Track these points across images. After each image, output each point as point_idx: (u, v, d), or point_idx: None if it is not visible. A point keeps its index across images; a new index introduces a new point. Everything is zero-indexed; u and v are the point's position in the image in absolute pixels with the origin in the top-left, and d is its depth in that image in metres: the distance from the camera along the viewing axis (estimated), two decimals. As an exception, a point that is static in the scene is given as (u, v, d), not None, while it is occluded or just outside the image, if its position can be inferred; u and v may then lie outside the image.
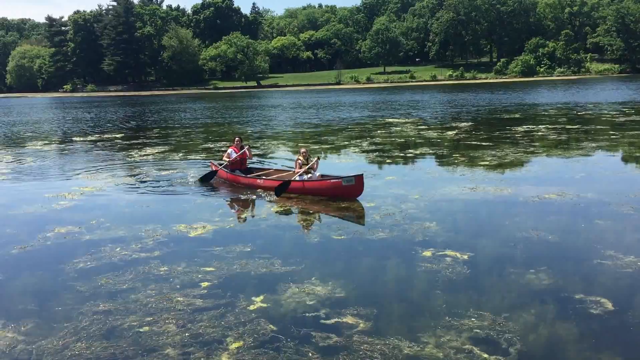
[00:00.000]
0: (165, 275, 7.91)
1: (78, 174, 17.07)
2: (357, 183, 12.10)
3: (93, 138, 29.22)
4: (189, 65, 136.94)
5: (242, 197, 13.12)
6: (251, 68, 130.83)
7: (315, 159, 13.35)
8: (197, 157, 20.24)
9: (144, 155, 21.22)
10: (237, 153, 14.89)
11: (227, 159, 14.86)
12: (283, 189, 12.66)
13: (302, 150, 13.57)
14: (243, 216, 11.18)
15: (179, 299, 7.04)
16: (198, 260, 8.48)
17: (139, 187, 14.50)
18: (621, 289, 7.00)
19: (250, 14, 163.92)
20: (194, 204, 12.39)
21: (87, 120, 44.33)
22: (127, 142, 26.55)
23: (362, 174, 12.19)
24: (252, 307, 6.72)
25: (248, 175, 14.44)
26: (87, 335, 6.15)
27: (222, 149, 22.18)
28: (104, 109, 62.05)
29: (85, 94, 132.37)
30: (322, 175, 13.17)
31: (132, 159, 20.29)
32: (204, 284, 7.50)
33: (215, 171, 14.95)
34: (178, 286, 7.47)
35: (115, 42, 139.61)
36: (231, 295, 7.09)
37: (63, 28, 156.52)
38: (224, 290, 7.25)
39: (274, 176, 14.11)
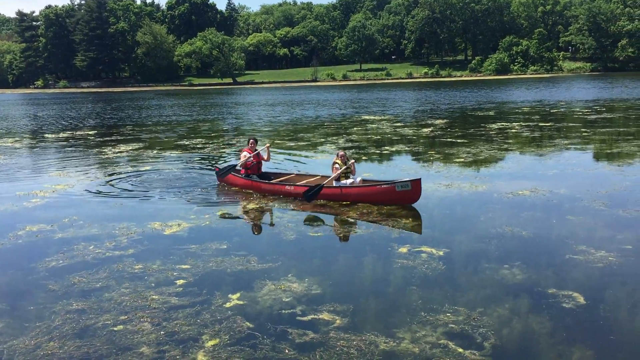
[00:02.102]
0: (140, 273, 7.82)
1: (50, 172, 16.79)
2: (413, 188, 10.93)
3: (65, 135, 28.77)
4: (163, 62, 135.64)
5: (222, 197, 13.03)
6: (227, 65, 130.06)
7: (352, 161, 12.19)
8: (172, 154, 20.05)
9: (118, 152, 20.96)
10: (253, 156, 13.37)
11: (245, 165, 13.32)
12: (315, 194, 11.56)
13: (340, 153, 12.18)
14: (219, 213, 11.10)
15: (153, 297, 6.97)
16: (173, 258, 8.40)
17: (112, 185, 14.32)
18: (592, 283, 7.12)
19: (226, 10, 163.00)
20: (169, 202, 12.27)
21: (59, 116, 43.62)
22: (100, 139, 26.19)
23: (420, 179, 11.00)
24: (228, 305, 6.68)
25: (272, 181, 13.05)
26: (60, 335, 6.06)
27: (198, 146, 22.04)
28: (77, 106, 61.12)
29: (57, 90, 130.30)
30: (363, 180, 12.14)
31: (106, 156, 20.03)
32: (180, 282, 7.44)
33: (232, 166, 13.52)
34: (153, 284, 7.39)
35: (88, 38, 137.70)
36: (207, 293, 7.04)
37: (34, 23, 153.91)
38: (200, 288, 7.20)
39: (303, 182, 12.80)
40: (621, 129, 23.14)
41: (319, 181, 12.68)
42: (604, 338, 5.71)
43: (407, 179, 11.07)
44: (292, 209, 11.40)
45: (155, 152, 20.93)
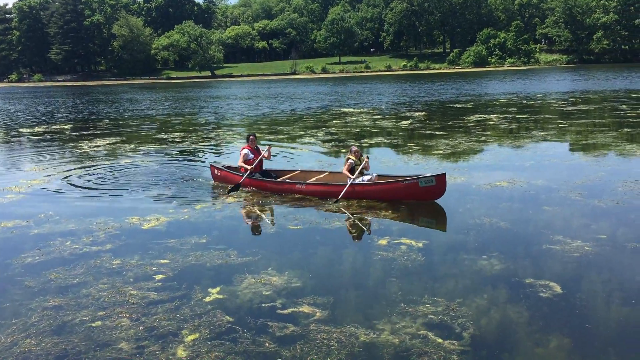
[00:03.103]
0: (118, 268, 7.75)
1: (25, 167, 16.53)
2: (438, 183, 10.49)
3: (40, 129, 28.33)
4: (140, 55, 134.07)
5: (201, 191, 12.94)
6: (205, 58, 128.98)
7: (366, 157, 11.64)
8: (150, 148, 19.87)
9: (95, 146, 20.70)
10: (253, 154, 12.65)
11: (245, 164, 12.53)
12: (343, 196, 10.96)
13: (354, 148, 11.56)
14: (198, 207, 11.03)
15: (132, 292, 6.90)
16: (152, 253, 8.34)
17: (89, 180, 14.14)
18: (569, 272, 7.22)
19: (204, 2, 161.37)
20: (147, 196, 12.16)
21: (34, 111, 42.92)
22: (77, 134, 25.85)
23: (445, 173, 10.60)
24: (207, 299, 6.65)
25: (280, 180, 12.30)
26: (37, 332, 5.98)
27: (176, 140, 21.87)
28: (52, 99, 60.20)
29: (31, 84, 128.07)
30: (379, 176, 11.55)
31: (82, 150, 19.77)
32: (158, 277, 7.38)
33: (238, 184, 12.34)
34: (131, 279, 7.33)
35: (63, 31, 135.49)
36: (186, 288, 7.00)
37: (7, 16, 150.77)
38: (179, 283, 7.16)
39: (312, 179, 12.21)
40: (596, 121, 23.46)
41: (327, 178, 12.25)
42: (580, 326, 5.80)
43: (430, 174, 10.63)
44: (272, 203, 11.37)
45: (132, 146, 20.71)
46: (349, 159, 11.44)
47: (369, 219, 9.93)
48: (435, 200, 10.75)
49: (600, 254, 7.80)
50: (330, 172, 12.60)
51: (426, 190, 10.58)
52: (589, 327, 5.78)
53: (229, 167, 13.16)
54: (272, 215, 10.61)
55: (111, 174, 14.85)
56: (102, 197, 12.27)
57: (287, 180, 12.17)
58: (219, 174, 13.12)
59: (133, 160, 17.09)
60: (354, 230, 9.52)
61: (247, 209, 11.08)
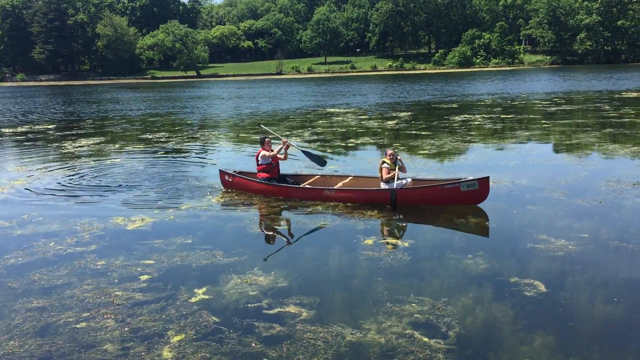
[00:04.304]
0: (103, 269, 7.69)
1: (8, 167, 16.35)
2: (481, 187, 10.06)
3: (24, 129, 28.03)
4: (125, 54, 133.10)
5: (187, 191, 12.87)
6: (190, 57, 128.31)
7: (399, 158, 10.95)
8: (135, 148, 19.74)
9: (79, 146, 20.53)
10: (270, 155, 11.80)
11: (263, 169, 11.78)
12: (396, 200, 10.29)
13: (389, 151, 10.93)
14: (184, 208, 10.98)
15: (117, 293, 6.86)
16: (137, 254, 8.29)
17: (73, 180, 14.02)
18: (553, 271, 7.28)
19: (189, 2, 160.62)
20: (132, 197, 12.08)
21: (17, 110, 42.45)
22: (60, 134, 25.61)
23: (488, 177, 10.15)
24: (193, 300, 6.62)
25: (303, 186, 11.55)
26: (21, 333, 5.92)
27: (161, 140, 21.74)
28: (35, 99, 59.57)
29: (14, 84, 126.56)
30: (413, 180, 11.06)
31: (66, 150, 19.59)
32: (144, 277, 7.34)
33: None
34: (116, 280, 7.28)
35: (46, 30, 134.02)
36: (172, 288, 6.97)
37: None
38: (165, 283, 7.12)
39: (338, 184, 11.49)
40: (579, 121, 23.69)
41: (352, 182, 11.62)
42: (564, 324, 5.85)
43: (472, 177, 10.17)
44: (257, 203, 11.34)
45: (117, 146, 20.57)
46: (383, 162, 10.88)
47: (354, 219, 9.94)
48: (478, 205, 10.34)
49: (584, 253, 7.88)
50: (354, 176, 11.87)
51: (468, 194, 10.15)
52: (572, 325, 5.84)
53: (241, 173, 12.37)
54: (258, 215, 10.58)
55: (96, 174, 14.74)
56: (86, 197, 12.17)
57: (314, 187, 11.42)
58: (230, 180, 12.26)
59: (118, 161, 16.97)
60: (340, 230, 9.52)
61: (233, 209, 11.04)
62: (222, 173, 12.52)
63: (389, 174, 10.76)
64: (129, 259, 8.09)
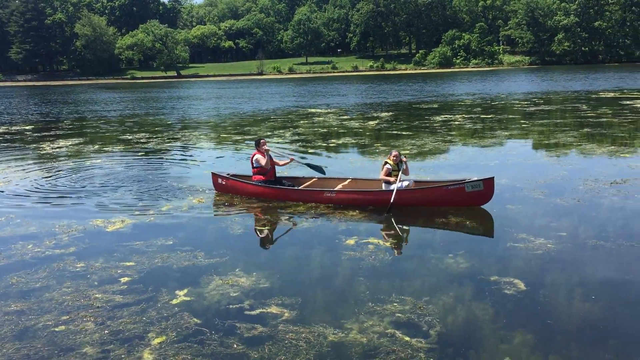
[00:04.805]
0: (82, 271, 7.61)
1: (-16, 168, 16.10)
2: (486, 188, 9.94)
3: (0, 130, 27.62)
4: (104, 54, 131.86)
5: (167, 192, 12.77)
6: (170, 57, 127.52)
7: (404, 159, 10.72)
8: (115, 149, 19.56)
9: (57, 147, 20.29)
10: (265, 159, 11.49)
11: (259, 172, 11.52)
12: (393, 205, 10.11)
13: (394, 153, 10.71)
14: (164, 209, 10.89)
15: (97, 295, 6.79)
16: (117, 255, 8.21)
17: (52, 181, 13.85)
18: (532, 269, 7.36)
19: (169, 1, 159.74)
20: (111, 198, 11.96)
21: (-6, 111, 41.83)
22: (38, 134, 25.28)
23: (493, 177, 10.04)
24: (174, 301, 6.58)
25: (303, 188, 11.31)
26: (-2, 338, 5.83)
27: (141, 141, 21.57)
28: (12, 100, 58.74)
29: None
30: (416, 182, 10.88)
31: (44, 151, 19.35)
32: (124, 280, 7.27)
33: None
34: (96, 283, 7.20)
35: (23, 30, 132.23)
36: (153, 290, 6.91)
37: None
38: (145, 285, 7.06)
39: (338, 186, 11.22)
40: (558, 121, 23.98)
41: (351, 185, 11.37)
42: (543, 322, 5.91)
43: (477, 178, 10.05)
44: (238, 204, 11.30)
45: (96, 147, 20.36)
46: (386, 163, 10.73)
47: (336, 219, 9.95)
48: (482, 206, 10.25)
49: (563, 251, 7.97)
50: (352, 179, 11.62)
51: (473, 195, 10.01)
52: (551, 322, 5.90)
53: (235, 176, 12.02)
54: (239, 216, 10.54)
55: (74, 175, 14.57)
56: (65, 199, 12.02)
57: (314, 189, 11.16)
58: (224, 183, 11.90)
59: (97, 162, 16.80)
60: (321, 231, 9.53)
61: (214, 210, 10.99)
62: (215, 176, 12.13)
63: (387, 175, 10.62)
64: (108, 261, 8.01)
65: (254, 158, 11.59)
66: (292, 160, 11.93)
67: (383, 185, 10.69)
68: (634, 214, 9.64)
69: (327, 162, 15.74)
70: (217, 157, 17.29)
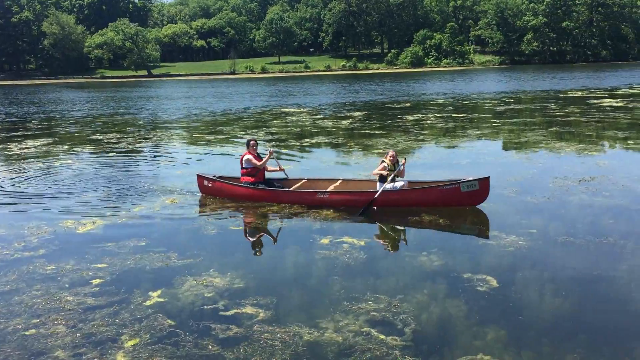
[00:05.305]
0: (52, 274, 7.48)
1: (-51, 170, 15.71)
2: (481, 188, 9.94)
3: (-34, 130, 27.00)
4: (72, 53, 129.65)
5: (139, 193, 12.62)
6: (141, 57, 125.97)
7: (403, 161, 10.50)
8: (85, 149, 19.26)
9: (25, 148, 19.89)
10: (257, 160, 11.25)
11: (248, 173, 11.23)
12: (371, 206, 10.13)
13: (391, 153, 10.61)
14: (136, 210, 10.76)
15: (68, 298, 6.68)
16: (88, 257, 8.09)
17: (20, 183, 13.58)
18: (504, 266, 7.47)
19: (139, 0, 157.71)
20: (82, 199, 11.77)
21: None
22: (5, 135, 24.74)
23: (488, 177, 10.04)
24: (148, 303, 6.51)
25: (294, 189, 11.11)
26: (-35, 343, 5.69)
27: (112, 141, 21.28)
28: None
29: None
30: (410, 182, 10.73)
31: (11, 152, 18.96)
32: (96, 282, 7.17)
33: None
34: (67, 285, 7.08)
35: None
36: (125, 292, 6.83)
37: None
38: (118, 287, 6.97)
39: (330, 188, 11.06)
40: (527, 120, 24.35)
41: (342, 186, 11.23)
42: (515, 318, 6.00)
43: (472, 178, 10.04)
44: (212, 204, 11.22)
45: (66, 147, 20.03)
46: (383, 161, 10.53)
47: (310, 218, 9.95)
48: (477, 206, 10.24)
49: (533, 248, 8.10)
50: (343, 180, 11.49)
51: (468, 195, 10.00)
52: (523, 318, 5.99)
53: (221, 177, 11.72)
54: (213, 216, 10.46)
55: (43, 176, 14.31)
56: (34, 200, 11.80)
57: (306, 190, 10.99)
58: (210, 185, 11.59)
59: (67, 162, 16.53)
60: (296, 230, 9.53)
61: (187, 210, 10.88)
62: (201, 178, 11.78)
63: (379, 175, 10.41)
64: (79, 263, 7.88)
65: (244, 159, 11.28)
66: (271, 152, 11.52)
67: (377, 184, 10.50)
68: (602, 211, 9.84)
69: (301, 162, 15.74)
70: (190, 158, 17.14)
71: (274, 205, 10.73)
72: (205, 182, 11.70)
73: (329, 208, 10.32)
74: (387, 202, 10.25)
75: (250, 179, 11.23)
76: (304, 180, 11.68)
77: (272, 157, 11.41)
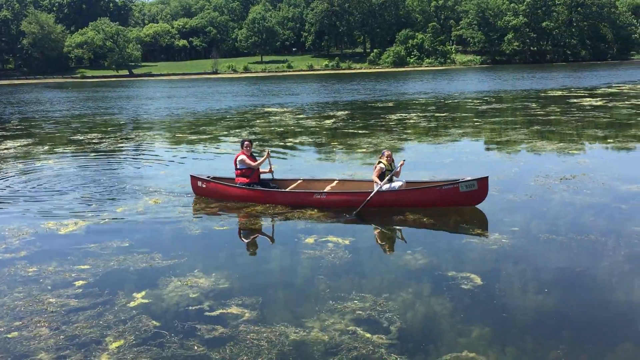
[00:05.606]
0: (34, 276, 7.39)
1: None
2: (480, 188, 9.88)
3: (-57, 131, 26.56)
4: (52, 53, 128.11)
5: (121, 193, 12.51)
6: (122, 56, 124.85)
7: (401, 162, 10.48)
8: (66, 150, 19.05)
9: (4, 149, 19.63)
10: (251, 160, 11.10)
11: (242, 174, 11.06)
12: (365, 207, 10.00)
13: (387, 153, 10.52)
14: (119, 210, 10.66)
15: (50, 300, 6.60)
16: (71, 259, 8.01)
17: None
18: (488, 264, 7.53)
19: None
20: (63, 200, 11.64)
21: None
22: (-15, 135, 24.40)
23: (487, 177, 10.01)
24: (132, 304, 6.46)
25: (290, 190, 10.95)
26: (-54, 347, 5.61)
27: (93, 141, 21.08)
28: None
29: None
30: (407, 182, 10.65)
31: (-9, 153, 18.69)
32: (79, 283, 7.10)
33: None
34: (49, 287, 7.01)
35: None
36: (109, 293, 6.77)
37: None
38: (101, 289, 6.91)
39: (326, 188, 10.88)
40: (509, 119, 24.57)
41: (338, 186, 11.09)
42: (499, 315, 6.06)
43: (470, 178, 9.99)
44: (195, 204, 11.16)
45: (46, 148, 19.80)
46: (379, 162, 10.41)
47: (295, 218, 9.95)
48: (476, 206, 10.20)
49: (516, 246, 8.18)
50: (339, 180, 11.37)
51: (467, 195, 9.93)
52: (506, 315, 6.05)
53: (215, 178, 11.55)
54: (197, 216, 10.41)
55: (24, 177, 14.13)
56: (14, 202, 11.64)
57: (303, 191, 10.84)
58: (204, 186, 11.39)
59: (47, 163, 16.33)
60: (280, 230, 9.52)
61: (171, 210, 10.80)
62: (194, 179, 11.58)
63: (380, 175, 10.26)
64: (62, 264, 7.80)
65: (238, 159, 11.10)
66: (268, 153, 11.32)
67: (375, 185, 10.32)
68: (583, 209, 9.96)
69: (285, 162, 15.71)
70: (173, 158, 17.02)
71: (259, 205, 10.69)
72: (199, 183, 11.49)
73: (327, 209, 10.23)
74: (386, 203, 10.14)
75: (245, 179, 11.07)
76: (299, 181, 11.52)
77: (268, 158, 11.25)
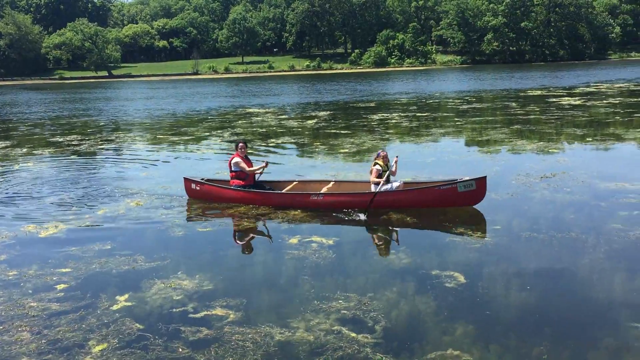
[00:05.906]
0: (15, 280, 7.29)
1: None
2: (478, 188, 9.84)
3: None
4: (29, 54, 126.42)
5: (102, 196, 12.39)
6: (101, 57, 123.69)
7: (395, 159, 10.49)
8: (45, 152, 18.81)
9: (-18, 151, 19.33)
10: (245, 163, 11.01)
11: (237, 176, 10.97)
12: (371, 206, 9.91)
13: (382, 153, 10.48)
14: (100, 213, 10.55)
15: (32, 304, 6.52)
16: (52, 262, 7.91)
17: (-22, 187, 13.19)
18: (471, 262, 7.59)
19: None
20: (43, 203, 11.50)
21: None
22: (-39, 138, 24.01)
23: (485, 176, 9.95)
24: (115, 307, 6.40)
25: (286, 191, 10.89)
26: None
27: (73, 143, 20.85)
28: None
29: None
30: (405, 183, 10.56)
31: (-32, 156, 18.40)
32: (60, 287, 7.02)
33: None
34: (30, 291, 6.92)
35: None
36: (91, 296, 6.70)
37: None
38: (83, 292, 6.84)
39: (323, 189, 10.81)
40: (489, 118, 24.78)
41: (334, 187, 10.98)
42: (482, 313, 6.11)
43: (468, 178, 9.95)
44: (178, 206, 11.09)
45: (25, 150, 19.53)
46: (376, 163, 10.34)
47: (278, 218, 9.94)
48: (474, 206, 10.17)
49: (499, 244, 8.26)
50: (335, 181, 11.29)
51: (465, 195, 9.89)
52: (490, 313, 6.10)
53: (210, 180, 11.43)
54: (179, 218, 10.35)
55: (2, 180, 13.93)
56: (-7, 205, 11.47)
57: (300, 192, 10.75)
58: (197, 188, 11.24)
59: (26, 166, 16.11)
60: (264, 231, 9.51)
61: (153, 212, 10.70)
62: (188, 181, 11.41)
63: (378, 176, 10.20)
64: (43, 268, 7.71)
65: (233, 161, 10.97)
66: (266, 164, 11.21)
67: (372, 186, 10.27)
68: (563, 207, 10.08)
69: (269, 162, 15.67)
70: (156, 160, 16.89)
71: (242, 206, 10.66)
72: (193, 186, 11.32)
73: (325, 211, 10.17)
74: (385, 203, 10.05)
75: (240, 182, 10.96)
76: (295, 182, 11.42)
77: (265, 168, 11.16)
